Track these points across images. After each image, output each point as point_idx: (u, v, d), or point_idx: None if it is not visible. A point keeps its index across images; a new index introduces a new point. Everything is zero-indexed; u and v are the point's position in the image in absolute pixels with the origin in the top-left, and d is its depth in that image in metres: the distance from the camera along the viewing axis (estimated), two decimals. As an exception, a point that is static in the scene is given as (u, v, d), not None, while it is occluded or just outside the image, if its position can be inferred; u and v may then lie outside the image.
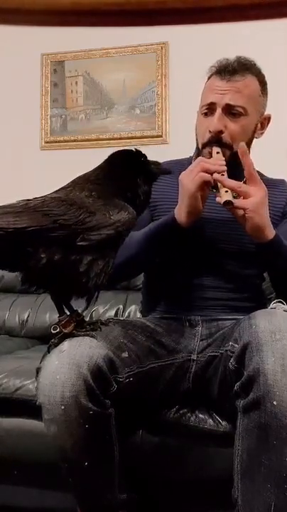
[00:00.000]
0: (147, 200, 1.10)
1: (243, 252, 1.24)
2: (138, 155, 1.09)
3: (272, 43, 2.28)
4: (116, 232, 0.96)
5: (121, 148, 1.11)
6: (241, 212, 1.10)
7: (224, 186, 1.09)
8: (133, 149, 1.09)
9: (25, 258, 0.92)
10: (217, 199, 1.10)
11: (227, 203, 1.08)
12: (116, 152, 1.10)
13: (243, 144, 1.12)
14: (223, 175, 1.11)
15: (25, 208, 0.93)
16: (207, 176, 1.10)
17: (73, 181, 1.06)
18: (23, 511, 1.36)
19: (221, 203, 1.08)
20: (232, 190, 1.09)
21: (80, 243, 0.92)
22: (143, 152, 1.10)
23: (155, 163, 1.11)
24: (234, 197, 1.10)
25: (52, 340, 1.02)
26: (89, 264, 0.93)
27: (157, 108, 2.42)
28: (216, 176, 1.10)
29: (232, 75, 1.22)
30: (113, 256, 0.99)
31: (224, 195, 1.08)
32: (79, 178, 1.06)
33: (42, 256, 0.91)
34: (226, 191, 1.09)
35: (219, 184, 1.10)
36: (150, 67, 2.42)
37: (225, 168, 1.13)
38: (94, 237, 0.93)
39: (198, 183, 1.10)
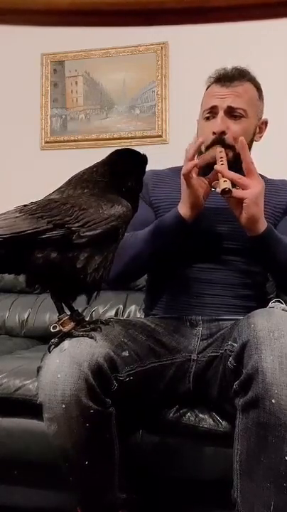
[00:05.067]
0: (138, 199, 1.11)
1: (246, 250, 1.24)
2: (143, 159, 1.10)
3: (273, 44, 2.28)
4: (111, 226, 0.96)
5: (124, 147, 1.12)
6: (237, 201, 1.12)
7: (224, 176, 1.12)
8: (140, 153, 1.10)
9: (23, 261, 0.94)
10: (217, 189, 1.13)
11: (226, 191, 1.10)
12: (120, 150, 1.11)
13: (242, 139, 1.15)
14: (222, 162, 1.15)
15: (21, 213, 0.96)
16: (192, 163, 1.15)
17: (68, 181, 1.07)
18: (23, 511, 1.36)
19: (220, 190, 1.11)
20: (232, 181, 1.12)
21: (76, 241, 0.94)
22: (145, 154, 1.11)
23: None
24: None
25: (53, 340, 1.02)
26: (87, 260, 0.94)
27: (157, 108, 2.41)
28: (217, 166, 1.15)
29: (231, 81, 1.28)
30: (112, 250, 0.99)
31: (223, 184, 1.11)
32: (73, 177, 1.07)
33: (39, 256, 0.93)
34: (225, 181, 1.12)
35: (219, 175, 1.14)
36: (150, 67, 2.42)
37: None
38: (89, 233, 0.94)
39: (187, 170, 1.14)
